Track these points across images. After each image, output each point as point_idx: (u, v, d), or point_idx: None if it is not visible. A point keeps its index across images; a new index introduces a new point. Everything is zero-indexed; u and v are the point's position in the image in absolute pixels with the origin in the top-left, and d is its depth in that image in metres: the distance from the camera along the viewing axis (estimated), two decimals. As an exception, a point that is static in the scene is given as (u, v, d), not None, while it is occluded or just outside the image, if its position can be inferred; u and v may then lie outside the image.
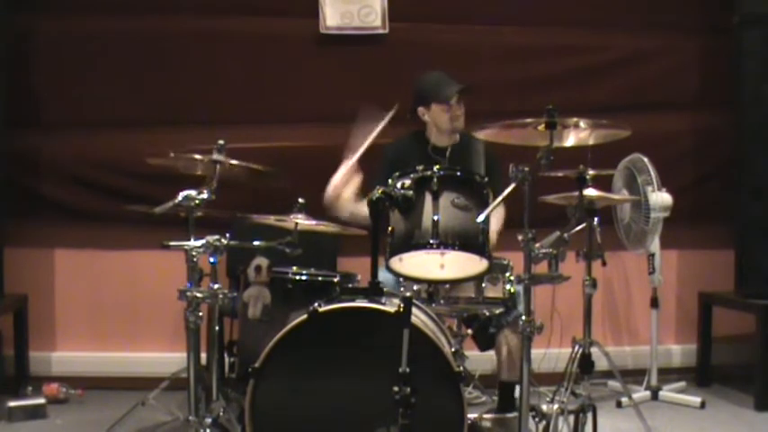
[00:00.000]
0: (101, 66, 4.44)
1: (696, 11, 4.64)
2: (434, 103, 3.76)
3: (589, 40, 4.60)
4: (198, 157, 3.25)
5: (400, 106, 3.77)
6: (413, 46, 4.46)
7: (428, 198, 2.84)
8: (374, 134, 3.70)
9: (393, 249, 2.86)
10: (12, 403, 3.88)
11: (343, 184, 3.71)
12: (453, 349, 3.03)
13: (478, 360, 3.95)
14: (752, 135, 4.33)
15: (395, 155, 3.82)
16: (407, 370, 2.44)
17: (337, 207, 3.71)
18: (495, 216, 3.61)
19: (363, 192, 3.67)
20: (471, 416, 3.18)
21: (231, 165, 3.23)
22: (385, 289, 2.90)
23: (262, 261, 3.40)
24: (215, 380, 3.30)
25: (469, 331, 3.38)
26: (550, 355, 3.92)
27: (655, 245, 4.24)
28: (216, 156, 3.19)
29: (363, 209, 3.38)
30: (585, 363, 3.40)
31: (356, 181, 3.73)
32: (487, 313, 3.26)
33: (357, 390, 2.76)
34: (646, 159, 4.13)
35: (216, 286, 3.05)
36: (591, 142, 2.99)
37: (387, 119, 3.71)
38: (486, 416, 3.46)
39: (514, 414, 3.26)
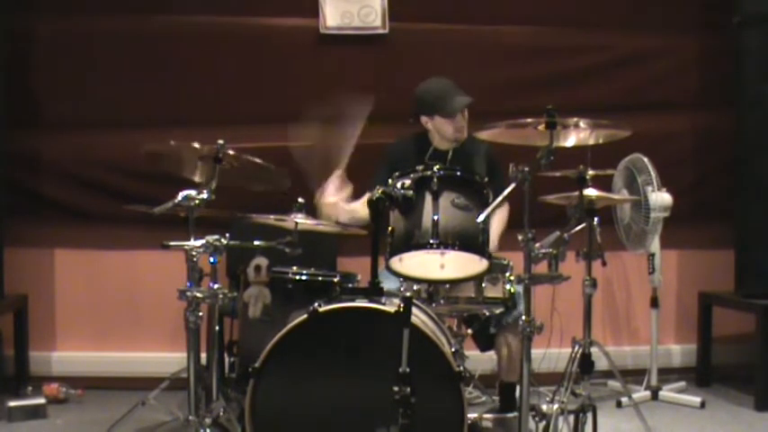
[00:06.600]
0: (100, 66, 4.44)
1: (696, 11, 4.64)
2: (438, 116, 3.70)
3: (589, 40, 4.60)
4: (196, 145, 3.20)
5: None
6: (413, 46, 4.46)
7: (428, 198, 2.84)
8: (355, 136, 3.68)
9: (393, 249, 2.86)
10: (12, 403, 3.88)
11: (336, 193, 3.68)
12: (453, 349, 3.03)
13: (478, 360, 3.96)
14: (752, 135, 4.33)
15: (396, 155, 3.81)
16: (407, 370, 2.44)
17: (333, 215, 3.66)
18: (496, 218, 3.62)
19: (356, 196, 3.68)
20: (471, 416, 3.18)
21: (230, 165, 3.23)
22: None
23: (262, 261, 3.40)
24: (215, 380, 3.30)
25: (469, 331, 3.38)
26: (550, 355, 3.92)
27: (655, 245, 4.24)
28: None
29: (361, 210, 3.39)
30: (585, 363, 3.41)
31: (347, 190, 3.70)
32: (487, 313, 3.27)
33: (357, 390, 2.75)
34: (646, 159, 4.13)
35: (216, 286, 3.05)
36: (591, 142, 2.99)
37: (363, 117, 3.70)
38: (486, 416, 3.45)
39: (514, 414, 3.26)
